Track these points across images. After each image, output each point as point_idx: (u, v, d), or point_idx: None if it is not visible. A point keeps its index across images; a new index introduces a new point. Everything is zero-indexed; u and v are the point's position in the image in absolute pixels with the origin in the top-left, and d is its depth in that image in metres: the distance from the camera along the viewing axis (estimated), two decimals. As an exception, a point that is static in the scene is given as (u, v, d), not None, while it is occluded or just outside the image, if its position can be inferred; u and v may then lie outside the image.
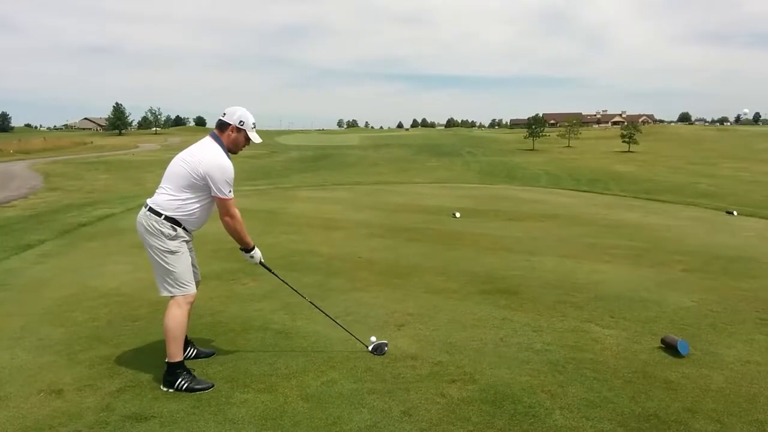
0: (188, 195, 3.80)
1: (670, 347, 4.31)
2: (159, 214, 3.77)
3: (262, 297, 5.81)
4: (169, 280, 3.87)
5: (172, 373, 3.78)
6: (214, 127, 3.99)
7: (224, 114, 3.92)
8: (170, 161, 3.92)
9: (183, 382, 3.74)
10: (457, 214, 11.48)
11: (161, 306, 5.52)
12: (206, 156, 3.80)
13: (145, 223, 3.79)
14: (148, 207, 3.81)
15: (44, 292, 6.22)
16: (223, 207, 3.87)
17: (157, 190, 3.88)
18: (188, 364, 3.97)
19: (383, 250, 8.18)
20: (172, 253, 3.83)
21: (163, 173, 3.89)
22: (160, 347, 4.50)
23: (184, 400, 3.62)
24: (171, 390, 3.73)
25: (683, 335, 4.51)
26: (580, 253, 7.89)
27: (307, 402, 3.57)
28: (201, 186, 3.78)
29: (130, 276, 6.80)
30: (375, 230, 9.83)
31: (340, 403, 3.55)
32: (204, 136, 3.96)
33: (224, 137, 3.92)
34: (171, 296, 3.90)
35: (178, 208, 3.79)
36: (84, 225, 10.99)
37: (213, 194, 3.81)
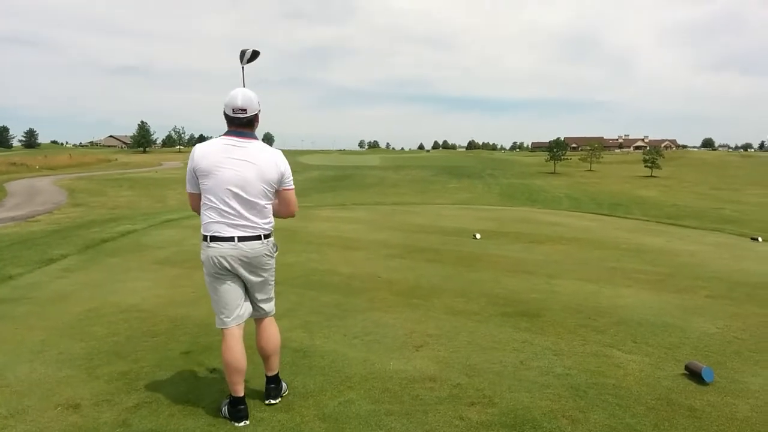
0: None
1: (694, 374, 4.21)
2: None
3: (281, 315, 5.76)
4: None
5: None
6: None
7: (243, 110, 3.52)
8: None
9: (223, 406, 3.69)
10: (478, 236, 11.41)
11: (180, 322, 5.58)
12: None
13: None
14: None
15: (65, 306, 6.27)
16: (295, 199, 3.73)
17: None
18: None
19: (403, 271, 8.15)
20: (207, 282, 3.66)
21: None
22: (177, 364, 4.52)
23: (200, 418, 3.60)
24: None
25: (708, 362, 4.41)
26: (602, 277, 7.78)
27: (324, 422, 3.53)
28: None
29: (150, 292, 6.83)
30: (395, 250, 9.80)
31: (358, 424, 3.51)
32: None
33: (255, 129, 3.65)
34: None
35: None
36: (106, 241, 11.08)
37: (284, 188, 3.64)
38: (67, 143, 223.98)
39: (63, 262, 8.92)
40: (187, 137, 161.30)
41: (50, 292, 6.99)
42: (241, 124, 3.53)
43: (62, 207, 28.13)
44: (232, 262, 3.50)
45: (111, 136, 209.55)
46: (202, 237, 3.55)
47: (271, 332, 3.83)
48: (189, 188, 3.62)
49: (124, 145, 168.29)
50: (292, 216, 3.81)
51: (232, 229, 3.47)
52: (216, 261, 3.49)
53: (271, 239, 3.64)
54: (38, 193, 34.89)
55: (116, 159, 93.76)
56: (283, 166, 3.59)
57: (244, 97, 3.52)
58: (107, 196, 36.84)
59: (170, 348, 4.88)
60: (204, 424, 3.51)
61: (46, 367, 4.47)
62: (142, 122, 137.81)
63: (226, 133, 3.56)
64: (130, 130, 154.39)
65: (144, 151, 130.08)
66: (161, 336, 5.20)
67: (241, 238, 3.48)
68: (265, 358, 3.83)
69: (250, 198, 3.47)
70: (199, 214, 3.62)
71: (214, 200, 3.48)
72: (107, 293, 6.82)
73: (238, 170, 3.45)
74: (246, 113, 3.52)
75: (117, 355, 4.72)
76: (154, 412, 3.67)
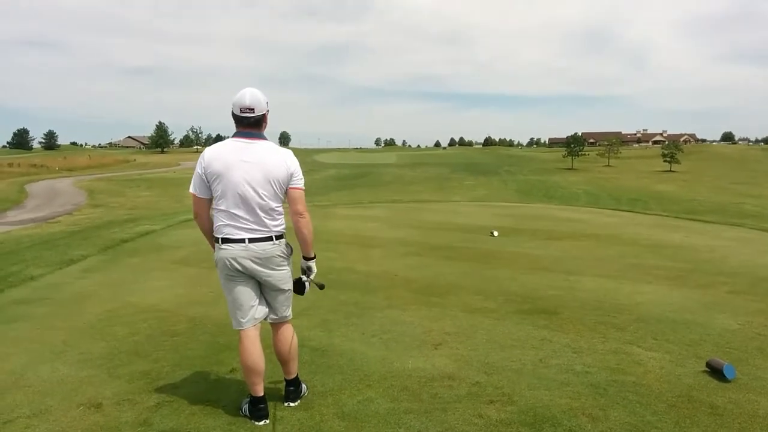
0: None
1: (715, 371, 4.16)
2: None
3: (299, 314, 5.79)
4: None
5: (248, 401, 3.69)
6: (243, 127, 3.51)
7: (251, 109, 3.47)
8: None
9: (243, 405, 3.70)
10: (495, 233, 11.37)
11: (199, 322, 5.62)
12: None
13: None
14: None
15: (86, 306, 6.34)
16: (302, 199, 3.59)
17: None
18: None
19: (420, 268, 8.14)
20: (222, 284, 3.66)
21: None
22: (197, 363, 4.55)
23: (220, 417, 3.62)
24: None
25: (729, 359, 4.35)
26: (621, 274, 7.72)
27: (344, 420, 3.54)
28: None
29: (170, 292, 6.89)
30: (412, 248, 9.79)
31: (377, 422, 3.51)
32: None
33: (264, 129, 3.60)
34: None
35: None
36: (126, 241, 11.20)
37: (292, 186, 3.55)
38: (86, 144, 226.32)
39: (83, 263, 9.03)
40: (204, 137, 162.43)
41: (71, 292, 7.08)
42: (249, 124, 3.49)
43: (82, 208, 28.50)
44: (244, 264, 3.48)
45: (129, 137, 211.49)
46: (215, 239, 3.56)
47: (287, 337, 3.77)
48: (194, 189, 3.57)
49: (142, 146, 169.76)
50: (299, 215, 3.57)
51: (242, 231, 3.46)
52: (228, 263, 3.49)
53: (284, 240, 3.62)
54: (58, 195, 35.38)
55: (135, 159, 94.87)
56: (293, 166, 3.54)
57: (252, 96, 3.47)
58: (126, 196, 37.25)
59: (190, 347, 4.92)
60: (224, 423, 3.53)
61: (67, 367, 4.52)
62: (159, 123, 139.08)
63: (235, 135, 3.54)
64: (148, 130, 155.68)
65: (162, 152, 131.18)
66: (181, 336, 5.24)
67: (252, 240, 3.47)
68: (283, 362, 3.80)
69: (259, 199, 3.44)
70: (201, 221, 3.63)
71: (224, 202, 3.46)
72: (127, 293, 6.90)
73: (247, 172, 3.42)
74: (254, 113, 3.47)
75: (137, 354, 4.77)
76: (174, 412, 3.70)
